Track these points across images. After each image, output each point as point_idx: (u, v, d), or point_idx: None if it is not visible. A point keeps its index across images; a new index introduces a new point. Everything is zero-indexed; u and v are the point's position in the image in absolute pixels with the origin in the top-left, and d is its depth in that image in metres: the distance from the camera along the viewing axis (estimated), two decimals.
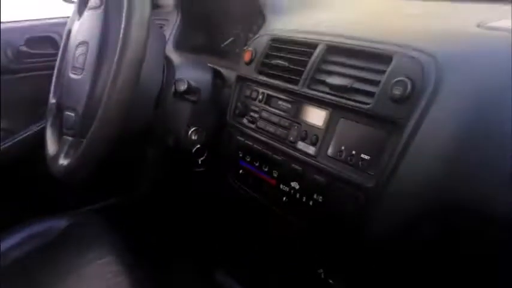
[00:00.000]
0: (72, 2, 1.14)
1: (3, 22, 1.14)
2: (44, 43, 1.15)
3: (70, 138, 0.81)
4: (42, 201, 1.10)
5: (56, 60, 1.02)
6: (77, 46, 0.86)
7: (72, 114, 0.81)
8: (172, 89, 0.84)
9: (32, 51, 1.14)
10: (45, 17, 1.19)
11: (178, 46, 1.08)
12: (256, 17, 0.92)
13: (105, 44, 0.78)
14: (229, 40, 1.05)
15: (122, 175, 1.22)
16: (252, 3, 0.90)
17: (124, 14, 0.65)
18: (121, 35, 0.65)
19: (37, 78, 1.15)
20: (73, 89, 0.84)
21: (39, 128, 1.14)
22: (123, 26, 0.65)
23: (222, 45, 1.06)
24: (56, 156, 0.83)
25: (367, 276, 0.67)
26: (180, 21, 1.10)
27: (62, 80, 0.93)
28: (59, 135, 0.89)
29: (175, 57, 0.91)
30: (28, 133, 1.14)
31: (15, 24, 1.14)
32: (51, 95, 0.98)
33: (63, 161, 0.78)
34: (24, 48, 1.12)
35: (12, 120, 1.15)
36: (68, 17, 1.13)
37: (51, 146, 0.88)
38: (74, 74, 0.84)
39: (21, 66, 1.13)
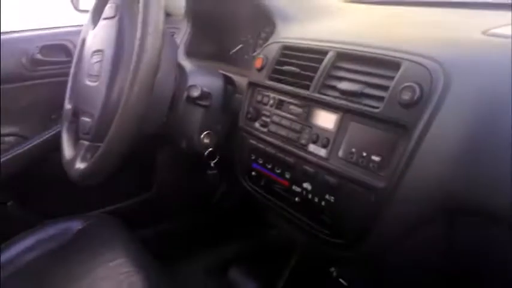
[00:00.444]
0: (84, 11, 1.17)
1: (19, 31, 1.17)
2: (57, 51, 1.18)
3: (86, 143, 0.84)
4: (55, 204, 1.13)
5: (69, 67, 1.06)
6: (93, 54, 0.89)
7: (89, 120, 0.84)
8: (185, 95, 0.87)
9: (46, 58, 1.16)
10: (58, 26, 1.22)
11: (189, 53, 1.11)
12: (265, 25, 0.95)
13: (120, 52, 0.81)
14: (238, 47, 1.07)
15: (134, 178, 1.25)
16: (260, 12, 0.93)
17: (139, 25, 0.67)
18: (137, 45, 0.67)
19: (51, 85, 1.18)
20: (89, 96, 0.86)
21: (53, 132, 1.17)
22: (139, 36, 0.67)
23: (231, 52, 1.09)
24: (73, 160, 0.86)
25: (376, 276, 0.69)
26: (190, 29, 1.13)
27: (78, 87, 0.96)
28: (75, 139, 0.91)
29: (186, 64, 0.94)
30: (43, 138, 1.17)
31: (30, 32, 1.17)
32: (66, 101, 1.01)
33: (80, 165, 0.81)
34: (39, 56, 1.15)
35: (27, 126, 1.18)
36: (79, 26, 1.18)
37: (67, 150, 0.91)
38: (90, 81, 0.87)
39: (35, 73, 1.16)
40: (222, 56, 1.09)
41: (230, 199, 1.08)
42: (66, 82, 1.03)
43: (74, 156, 0.85)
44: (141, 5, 0.69)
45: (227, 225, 1.12)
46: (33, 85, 1.16)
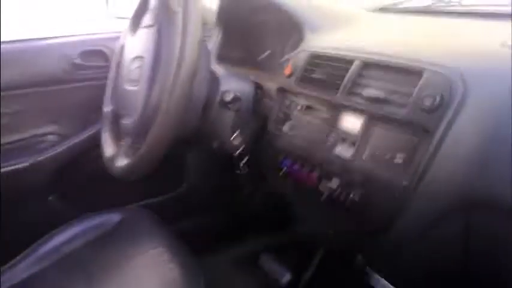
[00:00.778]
0: (123, 18, 1.24)
1: (59, 36, 1.25)
2: (95, 56, 1.26)
3: (127, 143, 0.91)
4: (94, 198, 1.20)
5: (106, 71, 1.13)
6: (132, 60, 0.96)
7: (129, 122, 0.91)
8: (218, 99, 0.93)
9: (85, 63, 1.24)
10: (96, 32, 1.30)
11: (220, 59, 1.17)
12: (293, 33, 1.01)
13: (159, 59, 0.87)
14: (266, 53, 1.13)
15: (167, 175, 1.31)
16: (289, 21, 0.98)
17: (179, 35, 0.74)
18: (177, 54, 0.74)
19: (89, 88, 1.25)
20: (129, 99, 0.93)
21: (92, 132, 1.25)
22: (179, 45, 0.74)
23: (259, 58, 1.15)
24: (115, 158, 0.93)
25: (399, 266, 0.74)
26: (221, 36, 1.19)
27: (117, 91, 1.03)
28: (116, 139, 0.98)
29: (218, 69, 1.00)
30: (82, 137, 1.24)
31: (71, 38, 1.25)
32: (105, 103, 1.08)
33: (121, 163, 0.88)
34: (78, 61, 1.23)
35: (67, 126, 1.26)
36: (115, 32, 1.25)
37: (108, 149, 0.98)
38: (130, 85, 0.93)
39: (75, 77, 1.24)
40: (251, 62, 1.15)
41: (258, 196, 1.14)
42: (103, 86, 1.11)
43: (116, 155, 0.92)
44: (180, 16, 0.75)
45: (255, 220, 1.17)
46: (73, 88, 1.24)
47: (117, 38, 1.13)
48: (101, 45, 1.26)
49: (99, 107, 1.10)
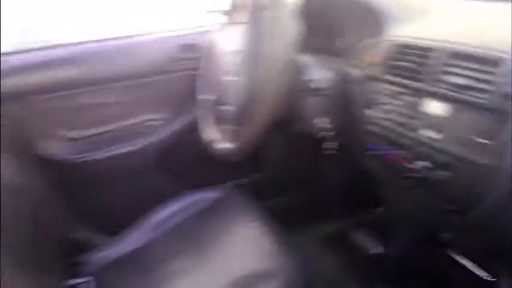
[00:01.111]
0: (215, 12, 1.36)
1: (160, 32, 1.40)
2: (190, 49, 1.39)
3: (228, 127, 1.03)
4: (194, 177, 1.35)
5: (198, 63, 1.27)
6: (229, 54, 1.08)
7: (229, 109, 1.03)
8: (305, 87, 1.03)
9: (182, 55, 1.39)
10: (190, 27, 1.44)
11: (304, 49, 1.25)
12: (372, 24, 1.06)
13: (256, 53, 0.98)
14: (348, 43, 1.20)
15: (260, 156, 1.44)
16: (370, 11, 1.04)
17: (274, 31, 0.84)
18: (273, 49, 0.84)
19: (185, 78, 1.40)
20: (228, 89, 1.06)
21: (190, 117, 1.39)
22: (274, 41, 0.84)
23: (341, 48, 1.22)
24: (216, 141, 1.06)
25: (484, 244, 0.81)
26: (303, 26, 1.27)
27: (215, 81, 1.16)
28: (216, 124, 1.12)
29: (304, 58, 1.09)
30: (181, 122, 1.40)
31: (169, 34, 1.40)
32: (200, 92, 1.21)
33: (225, 145, 1.01)
34: (176, 54, 1.38)
35: (167, 111, 1.42)
36: (207, 27, 1.38)
37: (210, 133, 1.12)
38: (229, 76, 1.05)
39: (174, 68, 1.39)
40: (333, 51, 1.22)
41: (344, 177, 1.22)
42: (196, 76, 1.25)
43: (219, 139, 1.05)
44: (273, 13, 0.85)
45: (341, 200, 1.25)
46: (172, 78, 1.39)
47: (208, 32, 1.25)
48: (194, 39, 1.39)
49: (193, 95, 1.24)
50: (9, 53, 1.23)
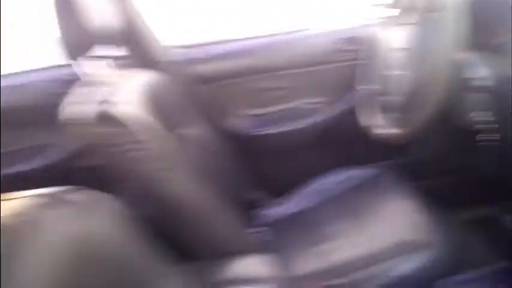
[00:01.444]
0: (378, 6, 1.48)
1: (324, 26, 1.59)
2: (351, 41, 1.52)
3: (394, 115, 1.18)
4: (348, 155, 1.50)
5: (357, 55, 1.45)
6: (396, 50, 1.22)
7: (395, 99, 1.18)
8: (466, 83, 1.12)
9: (343, 47, 1.53)
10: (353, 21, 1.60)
11: (468, 47, 1.32)
12: None
13: (423, 51, 1.10)
14: (503, 40, 1.24)
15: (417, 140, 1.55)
16: None
17: (442, 33, 0.96)
18: (441, 48, 0.97)
19: (343, 68, 1.54)
20: (395, 82, 1.20)
21: (346, 104, 1.56)
22: (442, 41, 0.97)
23: (495, 45, 1.26)
24: (378, 127, 1.22)
25: None
26: (469, 27, 1.34)
27: (376, 73, 1.31)
28: (379, 112, 1.27)
29: (464, 56, 1.17)
30: (339, 107, 1.57)
31: (332, 28, 1.57)
32: (361, 82, 1.37)
33: (393, 131, 1.15)
34: (339, 46, 1.53)
35: (328, 97, 1.59)
36: (368, 22, 1.52)
37: (371, 119, 1.28)
38: (396, 70, 1.20)
39: (335, 59, 1.54)
40: (489, 48, 1.27)
41: (501, 166, 1.27)
42: (355, 66, 1.42)
43: (384, 125, 1.21)
44: (441, 15, 0.96)
45: (491, 186, 1.32)
46: (333, 68, 1.56)
47: (368, 26, 1.42)
48: (355, 33, 1.54)
49: (351, 84, 1.41)
50: (201, 44, 1.54)
